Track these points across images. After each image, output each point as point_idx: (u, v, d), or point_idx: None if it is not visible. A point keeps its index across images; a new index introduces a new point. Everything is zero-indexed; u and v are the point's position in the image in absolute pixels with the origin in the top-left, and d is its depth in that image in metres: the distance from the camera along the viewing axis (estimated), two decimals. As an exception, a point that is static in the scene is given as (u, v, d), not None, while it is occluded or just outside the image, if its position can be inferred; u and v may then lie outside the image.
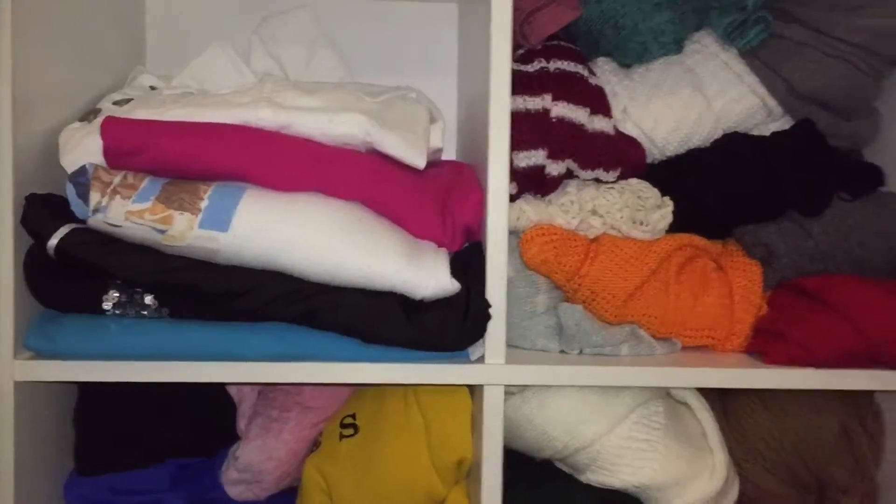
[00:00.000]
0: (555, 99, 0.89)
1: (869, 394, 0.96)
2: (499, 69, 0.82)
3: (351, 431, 0.93)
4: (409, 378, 0.83)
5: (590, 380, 0.85)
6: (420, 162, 0.84)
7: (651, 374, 0.85)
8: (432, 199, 0.86)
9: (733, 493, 0.91)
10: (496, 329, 0.83)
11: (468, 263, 0.84)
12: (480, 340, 0.83)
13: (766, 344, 0.87)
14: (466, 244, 0.87)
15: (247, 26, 1.12)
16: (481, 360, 0.84)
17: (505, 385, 0.84)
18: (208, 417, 0.97)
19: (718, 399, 0.95)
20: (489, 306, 0.82)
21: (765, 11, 0.91)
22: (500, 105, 0.82)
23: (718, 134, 0.93)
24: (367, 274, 0.78)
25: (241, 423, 0.97)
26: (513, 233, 0.91)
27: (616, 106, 0.92)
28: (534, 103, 0.89)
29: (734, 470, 0.92)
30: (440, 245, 0.84)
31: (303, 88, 0.86)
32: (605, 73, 0.94)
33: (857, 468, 0.91)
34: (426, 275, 0.79)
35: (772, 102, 0.91)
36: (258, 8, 1.13)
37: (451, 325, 0.80)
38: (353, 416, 0.95)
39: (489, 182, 0.82)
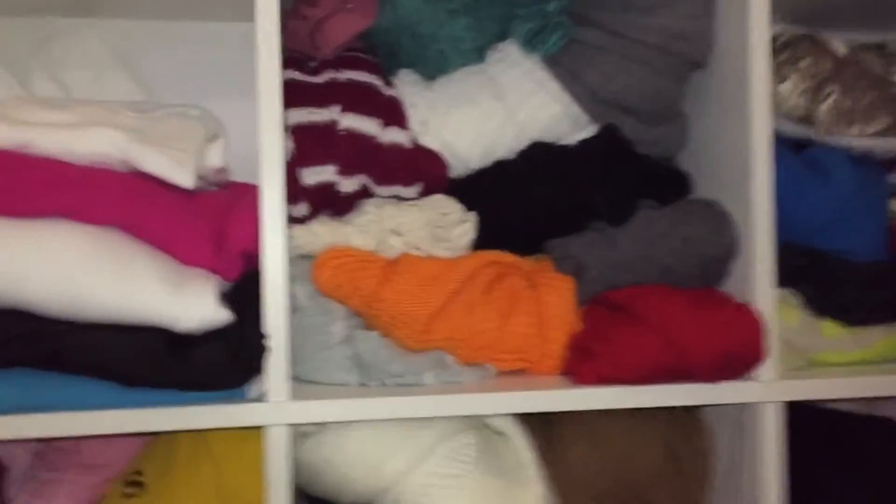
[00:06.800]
0: (343, 110, 0.83)
1: (696, 410, 0.92)
2: (267, 80, 0.76)
3: (135, 490, 0.83)
4: (175, 424, 0.73)
5: (389, 413, 0.77)
6: (187, 181, 0.75)
7: (454, 403, 0.78)
8: (205, 222, 0.77)
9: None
10: (278, 363, 0.75)
11: (245, 292, 0.75)
12: (261, 376, 0.75)
13: (577, 363, 0.81)
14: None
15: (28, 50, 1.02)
16: (262, 398, 0.75)
17: (292, 424, 0.76)
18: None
19: (541, 427, 0.88)
20: (265, 338, 0.73)
21: (563, 17, 0.88)
22: (270, 118, 0.76)
23: (524, 144, 0.88)
24: (118, 306, 0.69)
25: (11, 490, 0.85)
26: (307, 257, 0.84)
27: (415, 118, 0.86)
28: (320, 115, 0.83)
29: (557, 502, 0.85)
30: (214, 272, 0.76)
31: (52, 104, 0.77)
32: (404, 85, 0.89)
33: (684, 490, 0.86)
34: (189, 304, 0.71)
35: (576, 109, 0.87)
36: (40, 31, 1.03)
37: (222, 360, 0.72)
38: (140, 473, 0.85)
39: (263, 200, 0.75)
